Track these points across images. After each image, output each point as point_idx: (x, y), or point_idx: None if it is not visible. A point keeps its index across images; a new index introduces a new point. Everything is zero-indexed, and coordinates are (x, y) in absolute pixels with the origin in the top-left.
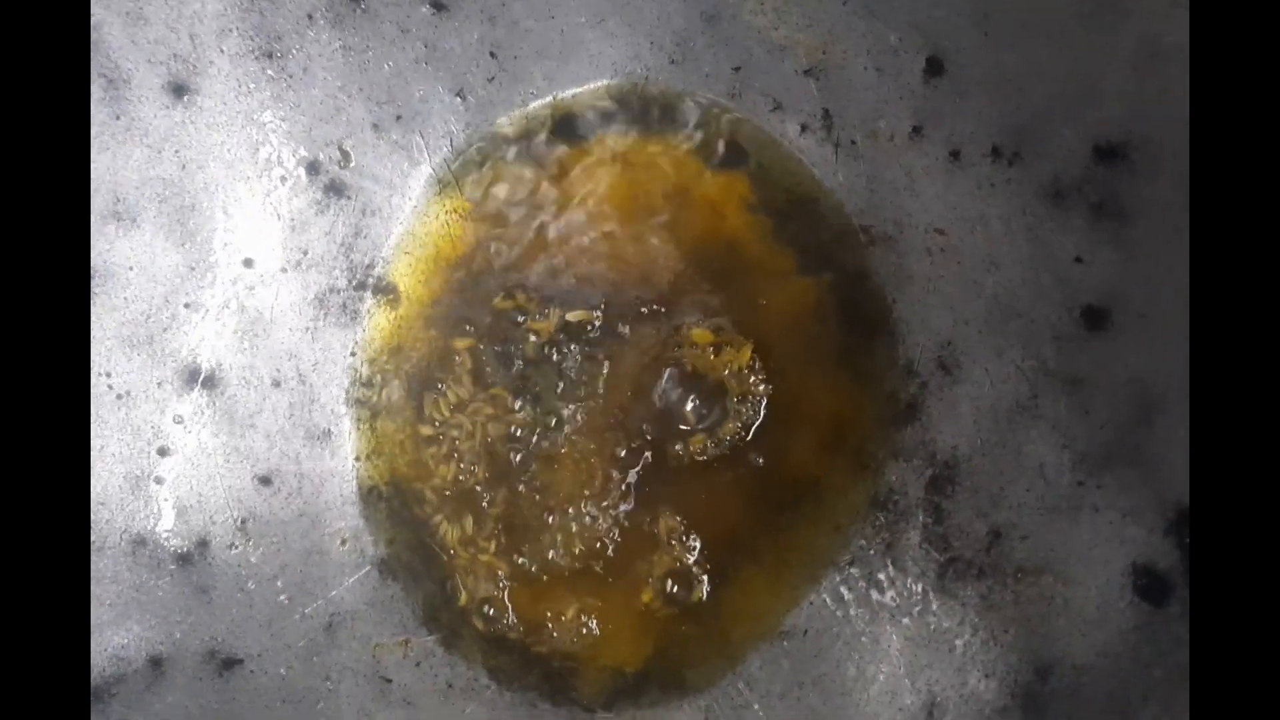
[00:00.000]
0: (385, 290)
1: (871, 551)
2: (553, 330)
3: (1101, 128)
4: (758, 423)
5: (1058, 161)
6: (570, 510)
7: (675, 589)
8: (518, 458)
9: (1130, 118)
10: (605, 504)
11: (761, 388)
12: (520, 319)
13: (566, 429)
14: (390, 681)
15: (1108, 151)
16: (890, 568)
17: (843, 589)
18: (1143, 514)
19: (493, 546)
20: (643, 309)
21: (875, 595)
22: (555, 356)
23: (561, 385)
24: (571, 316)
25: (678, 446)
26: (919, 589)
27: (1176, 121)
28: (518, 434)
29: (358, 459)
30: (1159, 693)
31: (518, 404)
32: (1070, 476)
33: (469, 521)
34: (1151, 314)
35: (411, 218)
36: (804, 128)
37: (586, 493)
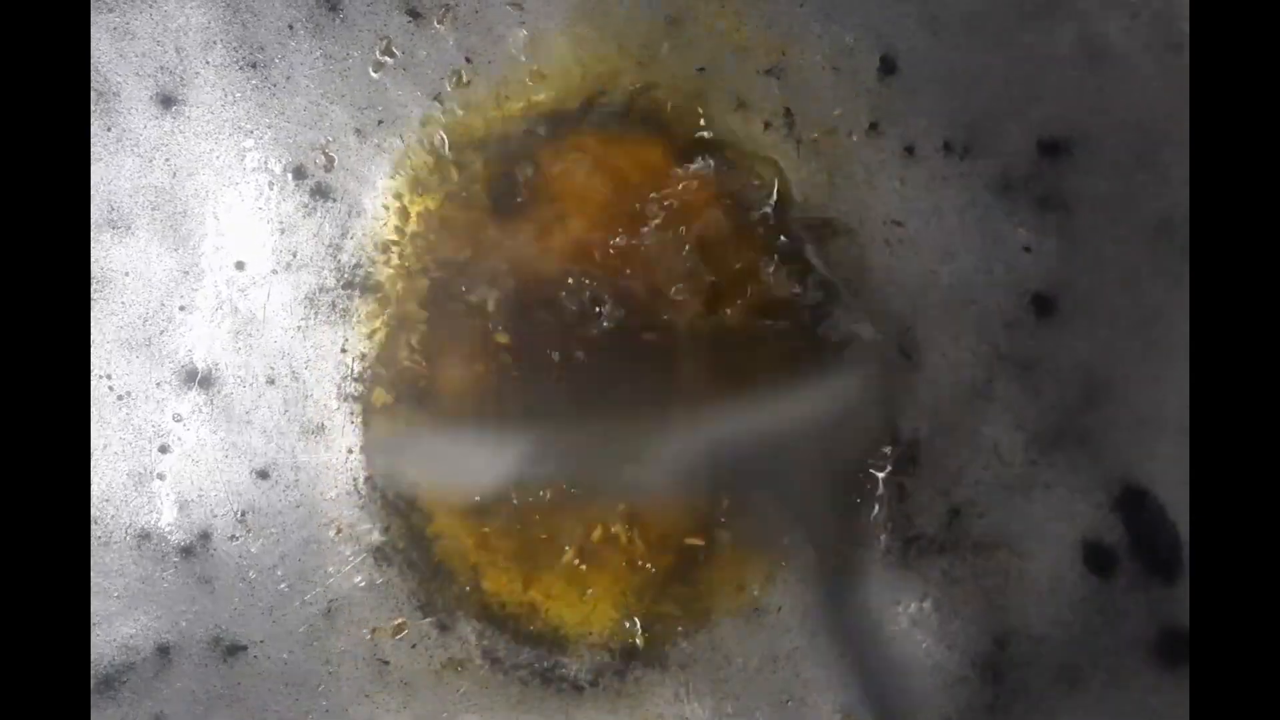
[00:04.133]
0: (372, 289)
1: (839, 528)
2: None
3: (1045, 124)
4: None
5: (1005, 156)
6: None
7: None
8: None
9: (1071, 114)
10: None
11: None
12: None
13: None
14: (388, 663)
15: (1050, 146)
16: (857, 544)
17: (813, 566)
18: (1090, 491)
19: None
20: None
21: (844, 570)
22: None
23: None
24: None
25: None
26: (884, 564)
27: (1114, 118)
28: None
29: (350, 451)
30: (1106, 660)
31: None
32: (1024, 456)
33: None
34: (1094, 302)
35: (395, 218)
36: (767, 125)
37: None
